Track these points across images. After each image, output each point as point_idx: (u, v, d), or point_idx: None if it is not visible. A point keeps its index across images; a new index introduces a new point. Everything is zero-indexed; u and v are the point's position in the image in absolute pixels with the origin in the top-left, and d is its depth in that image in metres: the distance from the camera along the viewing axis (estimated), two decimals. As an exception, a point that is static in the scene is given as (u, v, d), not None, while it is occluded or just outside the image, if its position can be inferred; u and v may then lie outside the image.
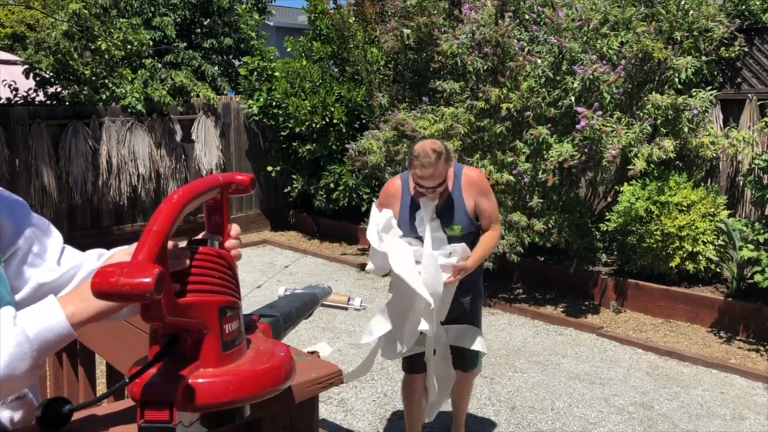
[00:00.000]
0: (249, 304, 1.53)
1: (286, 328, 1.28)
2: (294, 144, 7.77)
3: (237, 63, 9.63)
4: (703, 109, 5.22)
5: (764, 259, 4.38)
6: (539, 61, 5.36)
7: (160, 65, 7.94)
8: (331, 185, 7.52)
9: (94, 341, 1.81)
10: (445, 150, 2.63)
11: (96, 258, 1.19)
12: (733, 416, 3.62)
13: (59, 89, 7.26)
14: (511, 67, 5.43)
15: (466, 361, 2.98)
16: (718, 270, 5.33)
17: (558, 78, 5.33)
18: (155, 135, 7.56)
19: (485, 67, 5.49)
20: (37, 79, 7.09)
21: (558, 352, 4.54)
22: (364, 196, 7.22)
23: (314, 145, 7.56)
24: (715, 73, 5.74)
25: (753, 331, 4.69)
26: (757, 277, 4.39)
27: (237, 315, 0.93)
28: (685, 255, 5.08)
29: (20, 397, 1.09)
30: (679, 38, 5.37)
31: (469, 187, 2.78)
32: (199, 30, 9.42)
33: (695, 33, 5.36)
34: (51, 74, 7.10)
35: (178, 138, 7.77)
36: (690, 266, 5.10)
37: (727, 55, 5.51)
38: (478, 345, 2.92)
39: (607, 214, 5.71)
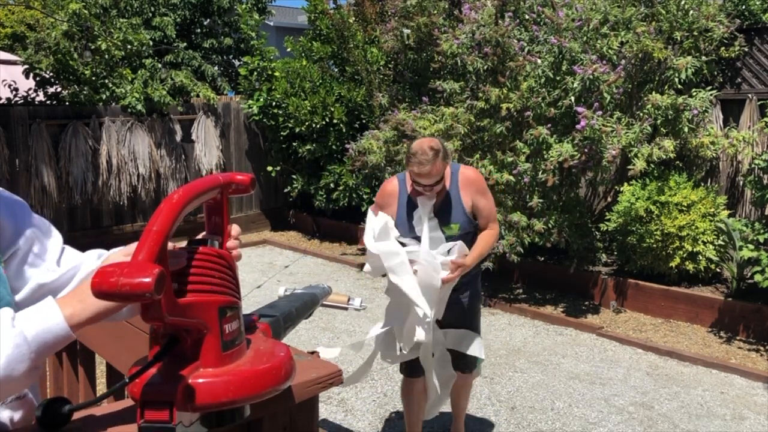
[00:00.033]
0: (249, 304, 1.53)
1: (286, 328, 1.28)
2: (294, 144, 7.77)
3: (237, 63, 9.63)
4: (703, 109, 5.22)
5: (764, 259, 4.38)
6: (539, 61, 5.36)
7: (160, 65, 7.94)
8: (331, 185, 7.52)
9: (94, 341, 1.81)
10: (442, 148, 2.62)
11: (95, 258, 1.19)
12: (733, 416, 3.62)
13: (59, 89, 7.26)
14: (511, 67, 5.43)
15: (466, 362, 2.98)
16: (718, 270, 5.33)
17: (558, 78, 5.33)
18: (155, 135, 7.56)
19: (485, 67, 5.49)
20: (37, 79, 7.09)
21: (558, 352, 4.54)
22: (364, 196, 7.22)
23: (314, 145, 7.56)
24: (715, 73, 5.74)
25: (753, 331, 4.69)
26: (757, 277, 4.39)
27: (237, 315, 0.93)
28: (685, 255, 5.08)
29: (20, 397, 1.09)
30: (679, 38, 5.37)
31: (467, 185, 2.77)
32: (199, 30, 9.42)
33: (695, 33, 5.36)
34: (51, 74, 7.10)
35: (178, 138, 7.77)
36: (690, 266, 5.10)
37: (727, 55, 5.51)
38: (476, 350, 2.90)
39: (607, 214, 5.71)
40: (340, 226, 7.90)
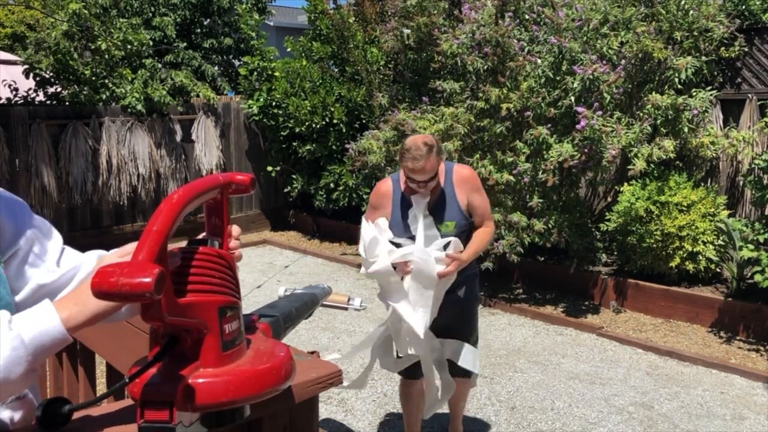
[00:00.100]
0: (249, 304, 1.53)
1: (286, 328, 1.28)
2: (294, 144, 7.77)
3: (237, 63, 9.63)
4: (703, 109, 5.22)
5: (764, 259, 4.38)
6: (539, 61, 5.36)
7: (160, 65, 7.95)
8: (331, 185, 7.52)
9: (94, 341, 1.81)
10: (436, 144, 2.61)
11: (95, 259, 1.19)
12: (733, 416, 3.62)
13: (59, 89, 7.26)
14: (511, 67, 5.43)
15: (464, 369, 2.97)
16: (718, 270, 5.33)
17: (558, 78, 5.33)
18: (155, 135, 7.56)
19: (485, 67, 5.49)
20: (37, 79, 7.10)
21: (558, 352, 4.54)
22: (364, 196, 7.22)
23: (314, 145, 7.56)
24: (715, 73, 5.74)
25: (753, 331, 4.69)
26: (757, 277, 4.39)
27: (237, 315, 0.93)
28: (685, 255, 5.08)
29: (20, 397, 1.09)
30: (679, 38, 5.37)
31: (462, 183, 2.76)
32: (199, 30, 9.42)
33: (695, 33, 5.36)
34: (51, 74, 7.10)
35: (178, 138, 7.77)
36: (690, 266, 5.10)
37: (727, 55, 5.51)
38: (469, 363, 2.88)
39: (607, 214, 5.71)
40: (340, 226, 7.90)
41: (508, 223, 5.26)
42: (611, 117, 5.14)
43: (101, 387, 2.23)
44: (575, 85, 5.05)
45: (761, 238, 4.57)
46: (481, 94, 5.45)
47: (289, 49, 8.22)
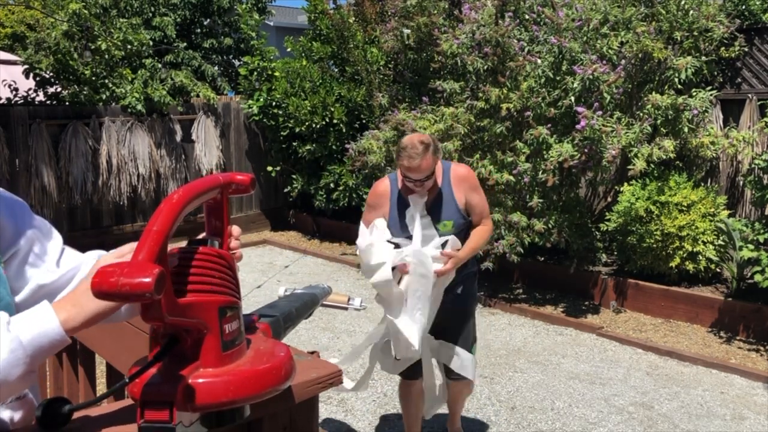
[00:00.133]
0: (249, 304, 1.53)
1: (286, 328, 1.28)
2: (294, 144, 7.77)
3: (237, 63, 9.63)
4: (703, 109, 5.22)
5: (764, 259, 4.38)
6: (539, 61, 5.36)
7: (160, 65, 7.95)
8: (331, 185, 7.52)
9: (94, 341, 1.81)
10: (432, 142, 2.61)
11: (95, 259, 1.19)
12: (733, 416, 3.62)
13: (59, 89, 7.26)
14: (511, 67, 5.43)
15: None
16: (718, 270, 5.33)
17: (558, 78, 5.33)
18: (155, 135, 7.56)
19: (485, 67, 5.49)
20: (37, 79, 7.10)
21: (558, 352, 4.54)
22: (364, 196, 7.21)
23: (314, 145, 7.56)
24: (715, 73, 5.74)
25: (753, 331, 4.69)
26: (757, 277, 4.39)
27: (237, 315, 0.93)
28: (685, 255, 5.08)
29: (20, 397, 1.09)
30: (679, 38, 5.37)
31: (459, 182, 2.76)
32: (199, 30, 9.42)
33: (695, 33, 5.36)
34: (51, 74, 7.10)
35: (178, 138, 7.77)
36: (690, 266, 5.10)
37: (727, 55, 5.51)
38: (463, 369, 2.87)
39: (607, 214, 5.71)
40: (340, 226, 7.90)
41: (508, 223, 5.26)
42: (611, 117, 5.14)
43: (101, 387, 2.23)
44: (575, 85, 5.05)
45: (761, 238, 4.57)
46: (481, 94, 5.45)
47: (289, 49, 8.22)
